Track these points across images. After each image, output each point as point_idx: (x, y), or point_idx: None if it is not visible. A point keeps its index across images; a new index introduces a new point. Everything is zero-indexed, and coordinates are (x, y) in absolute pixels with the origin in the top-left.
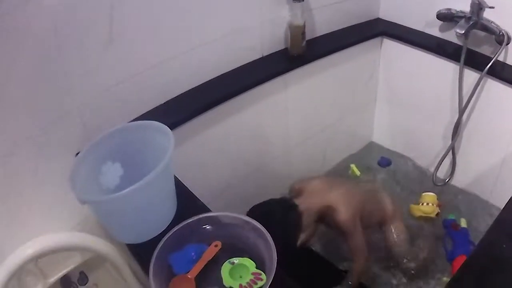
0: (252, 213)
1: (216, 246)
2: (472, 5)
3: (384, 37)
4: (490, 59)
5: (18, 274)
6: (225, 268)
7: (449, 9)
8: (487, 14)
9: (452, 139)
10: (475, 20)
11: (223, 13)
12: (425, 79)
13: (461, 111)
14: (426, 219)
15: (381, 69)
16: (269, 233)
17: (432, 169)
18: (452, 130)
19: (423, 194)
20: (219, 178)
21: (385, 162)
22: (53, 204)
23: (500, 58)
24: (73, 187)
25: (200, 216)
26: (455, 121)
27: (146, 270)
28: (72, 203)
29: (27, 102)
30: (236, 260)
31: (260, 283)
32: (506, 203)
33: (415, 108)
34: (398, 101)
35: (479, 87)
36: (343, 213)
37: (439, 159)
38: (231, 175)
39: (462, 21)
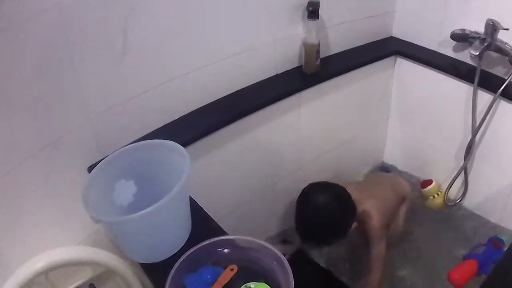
0: (312, 187)
1: (232, 270)
2: (486, 27)
3: (398, 56)
4: (504, 80)
5: (28, 287)
6: None
7: (463, 30)
8: (501, 35)
9: (464, 160)
10: (489, 41)
11: (237, 31)
12: (438, 99)
13: (474, 132)
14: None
15: (394, 88)
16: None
17: (443, 190)
18: (465, 151)
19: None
20: (231, 195)
21: None
22: (63, 217)
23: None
24: (86, 206)
25: (216, 239)
26: (468, 141)
27: None
28: (82, 216)
29: (38, 113)
30: (252, 285)
31: None
32: None
33: (428, 128)
34: (411, 121)
35: (492, 109)
36: (377, 220)
37: (451, 179)
38: (243, 192)
39: (477, 42)
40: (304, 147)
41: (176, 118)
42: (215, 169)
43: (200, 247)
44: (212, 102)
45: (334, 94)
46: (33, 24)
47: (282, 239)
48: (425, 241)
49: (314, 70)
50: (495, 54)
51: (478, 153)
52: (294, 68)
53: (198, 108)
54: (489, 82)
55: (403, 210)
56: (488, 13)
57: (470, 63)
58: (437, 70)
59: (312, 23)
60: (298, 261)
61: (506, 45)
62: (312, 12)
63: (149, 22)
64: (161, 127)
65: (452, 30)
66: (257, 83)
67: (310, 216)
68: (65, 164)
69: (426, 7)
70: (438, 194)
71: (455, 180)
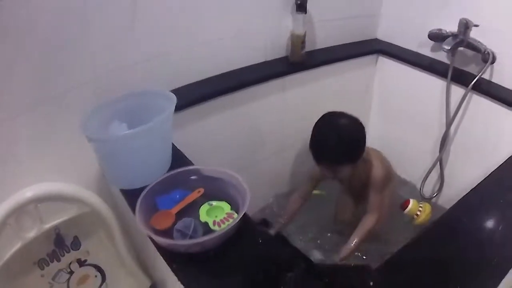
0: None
1: (199, 192)
2: (459, 25)
3: (380, 54)
4: (476, 76)
5: (18, 213)
6: (204, 208)
7: (440, 29)
8: (474, 33)
9: (439, 153)
10: (461, 38)
11: (234, 17)
12: (416, 95)
13: (448, 125)
14: None
15: (375, 85)
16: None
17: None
18: (440, 144)
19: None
20: (216, 162)
21: None
22: (59, 158)
23: (486, 76)
24: (84, 129)
25: (189, 167)
26: (442, 134)
27: (133, 209)
28: (75, 160)
29: (48, 63)
30: (214, 203)
31: (231, 221)
32: (475, 186)
33: (406, 123)
34: (391, 117)
35: (464, 102)
36: (380, 169)
37: (426, 172)
38: (226, 163)
39: (450, 39)
40: (287, 130)
41: (172, 88)
42: (201, 138)
43: (173, 173)
44: (206, 78)
45: (317, 83)
46: None
47: (263, 219)
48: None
49: (299, 60)
50: (469, 52)
51: (452, 146)
52: (282, 57)
53: (194, 82)
54: (462, 78)
55: (390, 189)
56: (464, 14)
57: (446, 62)
58: (415, 67)
59: (299, 16)
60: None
61: (478, 42)
62: (300, 6)
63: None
64: None
65: (429, 30)
66: (247, 66)
67: (329, 133)
68: (67, 114)
69: (408, 10)
70: (419, 211)
71: (430, 172)
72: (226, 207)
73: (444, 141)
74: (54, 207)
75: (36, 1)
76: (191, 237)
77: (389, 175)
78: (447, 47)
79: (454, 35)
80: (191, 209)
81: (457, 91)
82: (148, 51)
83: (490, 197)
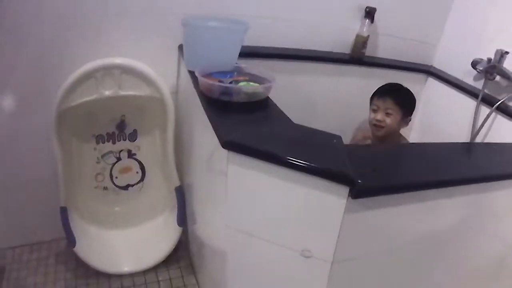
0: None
1: (243, 77)
2: (495, 54)
3: (430, 75)
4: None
5: (104, 72)
6: (242, 82)
7: (482, 59)
8: (508, 64)
9: None
10: (494, 64)
11: (320, 10)
12: (452, 114)
13: (473, 137)
14: None
15: (421, 101)
16: None
17: None
18: None
19: None
20: None
21: None
22: (150, 50)
23: None
24: (183, 21)
25: (241, 65)
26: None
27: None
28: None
29: None
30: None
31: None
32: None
33: (438, 137)
34: (428, 133)
35: (489, 120)
36: None
37: None
38: None
39: (484, 62)
40: (334, 111)
41: (256, 44)
42: None
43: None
44: (280, 47)
45: (369, 80)
46: None
47: None
48: None
49: (359, 57)
50: (504, 81)
51: None
52: (346, 53)
53: (275, 46)
54: (492, 101)
55: None
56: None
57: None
58: (456, 89)
59: (367, 21)
60: None
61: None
62: (368, 13)
63: None
64: None
65: (473, 58)
66: (315, 50)
67: (394, 83)
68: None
69: (463, 45)
70: None
71: None
72: (257, 85)
73: None
74: (133, 83)
75: None
76: None
77: None
78: (480, 68)
79: (488, 60)
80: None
81: (485, 111)
82: (258, 11)
83: None
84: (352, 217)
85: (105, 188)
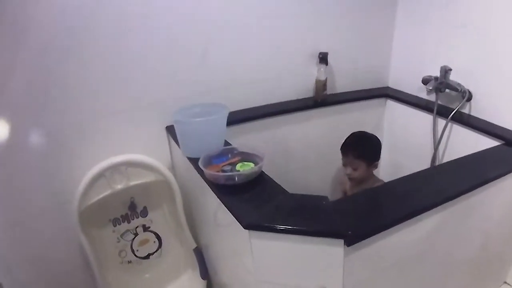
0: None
1: (237, 158)
2: (440, 70)
3: (388, 98)
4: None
5: (112, 170)
6: (239, 164)
7: (430, 76)
8: (455, 77)
9: None
10: (442, 80)
11: (274, 63)
12: (413, 128)
13: (436, 147)
14: None
15: (385, 122)
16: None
17: None
18: (430, 164)
19: None
20: None
21: None
22: (146, 142)
23: (465, 111)
24: (174, 116)
25: (232, 146)
26: (432, 156)
27: (197, 164)
28: (155, 146)
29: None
30: (245, 162)
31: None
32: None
33: (406, 150)
34: (395, 145)
35: (446, 131)
36: None
37: None
38: None
39: (432, 81)
40: (311, 153)
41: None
42: None
43: (223, 148)
44: (250, 108)
45: (335, 117)
46: None
47: None
48: None
49: (322, 99)
50: (453, 93)
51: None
52: (309, 97)
53: (243, 109)
54: (445, 112)
55: None
56: (447, 62)
57: (435, 101)
58: (414, 107)
59: (322, 66)
60: None
61: (457, 84)
62: (322, 58)
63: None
64: None
65: (422, 76)
66: (283, 101)
67: (356, 133)
68: (148, 120)
69: (409, 62)
70: None
71: None
72: (251, 165)
73: (434, 161)
74: (138, 172)
75: None
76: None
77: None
78: (430, 87)
79: (435, 78)
80: (231, 166)
81: (442, 122)
82: (216, 83)
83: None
84: (351, 258)
85: (130, 262)
